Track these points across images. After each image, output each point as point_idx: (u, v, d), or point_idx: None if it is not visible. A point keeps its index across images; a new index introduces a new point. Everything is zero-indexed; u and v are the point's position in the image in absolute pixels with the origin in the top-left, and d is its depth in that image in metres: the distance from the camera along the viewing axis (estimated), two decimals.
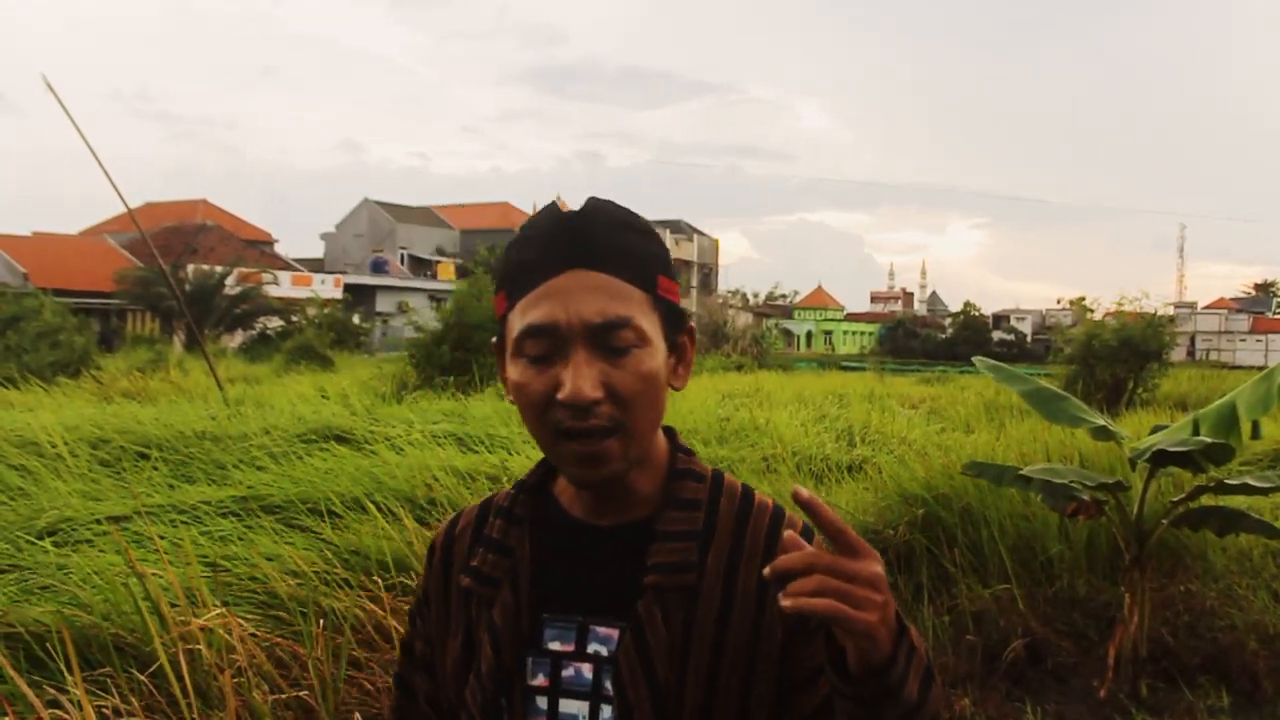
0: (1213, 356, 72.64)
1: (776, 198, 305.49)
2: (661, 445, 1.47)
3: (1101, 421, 5.98)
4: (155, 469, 8.41)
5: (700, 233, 77.65)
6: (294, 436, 9.89)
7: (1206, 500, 5.92)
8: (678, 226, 75.43)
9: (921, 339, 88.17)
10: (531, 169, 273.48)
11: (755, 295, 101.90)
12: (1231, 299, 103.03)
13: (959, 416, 17.04)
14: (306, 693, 4.09)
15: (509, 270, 1.39)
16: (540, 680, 1.41)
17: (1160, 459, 5.33)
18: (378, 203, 68.28)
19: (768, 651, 1.38)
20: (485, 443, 9.56)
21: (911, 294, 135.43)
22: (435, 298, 53.53)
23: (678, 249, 73.08)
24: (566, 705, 1.40)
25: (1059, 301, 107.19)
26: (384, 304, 57.18)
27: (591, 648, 1.40)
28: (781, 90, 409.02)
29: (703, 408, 15.47)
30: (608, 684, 1.38)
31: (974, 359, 6.96)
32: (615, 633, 1.39)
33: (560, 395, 1.30)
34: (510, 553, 1.46)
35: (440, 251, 68.16)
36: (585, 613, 1.42)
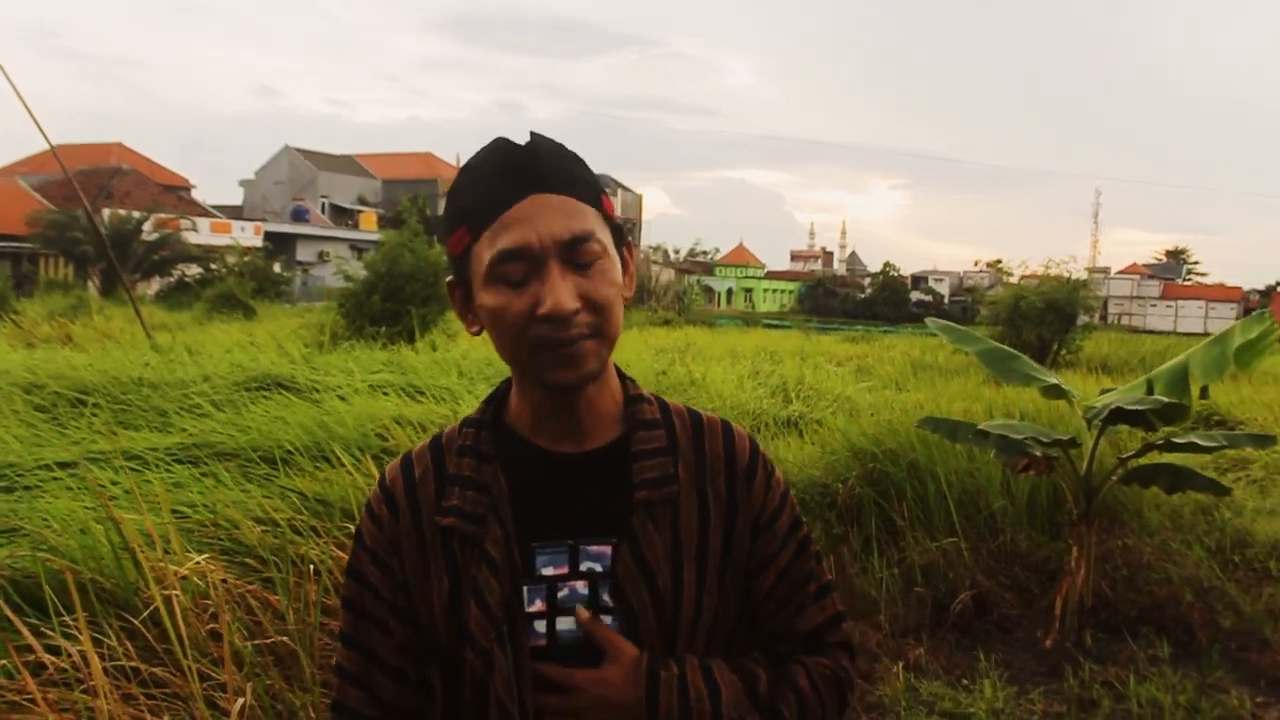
0: (1124, 321, 74.31)
1: (699, 154, 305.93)
2: (613, 373, 1.57)
3: (1054, 380, 6.12)
4: (94, 415, 8.27)
5: (625, 188, 77.45)
6: (234, 384, 9.78)
7: (1152, 458, 6.09)
8: (603, 181, 75.16)
9: (841, 298, 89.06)
10: (453, 118, 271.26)
11: (676, 251, 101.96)
12: (1144, 265, 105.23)
13: (888, 375, 17.32)
14: (285, 639, 4.08)
15: (466, 205, 1.46)
16: (538, 605, 1.49)
17: (1116, 417, 5.48)
18: (299, 150, 67.21)
19: (739, 548, 1.56)
20: (431, 393, 9.52)
21: (831, 253, 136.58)
22: (358, 248, 52.96)
23: None
24: (564, 623, 1.49)
25: (976, 264, 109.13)
26: (305, 253, 56.38)
27: (585, 565, 1.50)
28: (707, 45, 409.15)
29: (639, 362, 15.53)
30: (604, 596, 1.49)
31: (927, 320, 7.09)
32: (607, 549, 1.50)
33: (541, 310, 1.39)
34: (487, 489, 1.51)
35: (362, 201, 67.35)
36: (574, 535, 1.51)
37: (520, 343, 1.43)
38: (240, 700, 3.36)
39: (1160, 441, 5.77)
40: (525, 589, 1.49)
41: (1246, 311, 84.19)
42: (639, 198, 79.86)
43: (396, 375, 11.05)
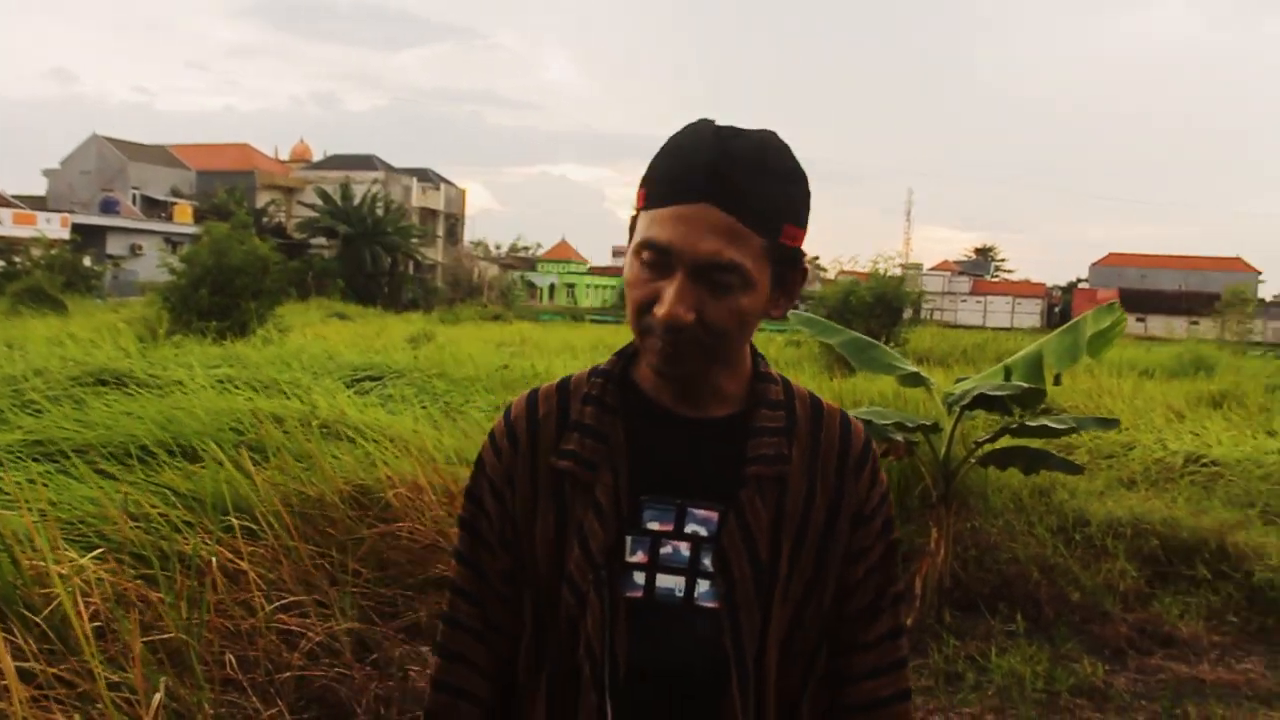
0: (937, 316, 76.89)
1: (519, 149, 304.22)
2: (746, 350, 1.60)
3: (913, 369, 6.34)
4: None
5: (448, 182, 76.68)
6: (69, 379, 9.42)
7: (1005, 441, 6.37)
8: (425, 175, 74.23)
9: None
10: (267, 109, 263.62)
11: (499, 247, 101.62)
12: (954, 262, 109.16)
13: None
14: (176, 636, 3.97)
15: (655, 175, 1.48)
16: (639, 557, 1.52)
17: (978, 403, 5.72)
18: (107, 139, 64.63)
19: (840, 534, 1.59)
20: (277, 387, 9.32)
21: None
22: (173, 241, 51.30)
23: (425, 198, 72.07)
24: (664, 580, 1.51)
25: None
26: (116, 246, 54.21)
27: (689, 528, 1.53)
28: (527, 38, 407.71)
29: (480, 355, 15.50)
30: (705, 561, 1.51)
31: (789, 313, 7.23)
32: (714, 515, 1.52)
33: (657, 310, 1.43)
34: (606, 438, 1.55)
35: (176, 193, 65.03)
36: (683, 496, 1.53)
37: (636, 321, 1.49)
38: (156, 696, 3.26)
39: (1015, 425, 6.03)
40: (629, 539, 1.52)
41: (1050, 307, 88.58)
42: (462, 192, 79.06)
43: (238, 370, 10.80)
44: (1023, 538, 7.43)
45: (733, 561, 1.50)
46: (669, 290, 1.43)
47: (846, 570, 1.59)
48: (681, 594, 1.51)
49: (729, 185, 1.41)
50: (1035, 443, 6.30)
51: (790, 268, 1.52)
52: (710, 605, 1.50)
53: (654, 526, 1.53)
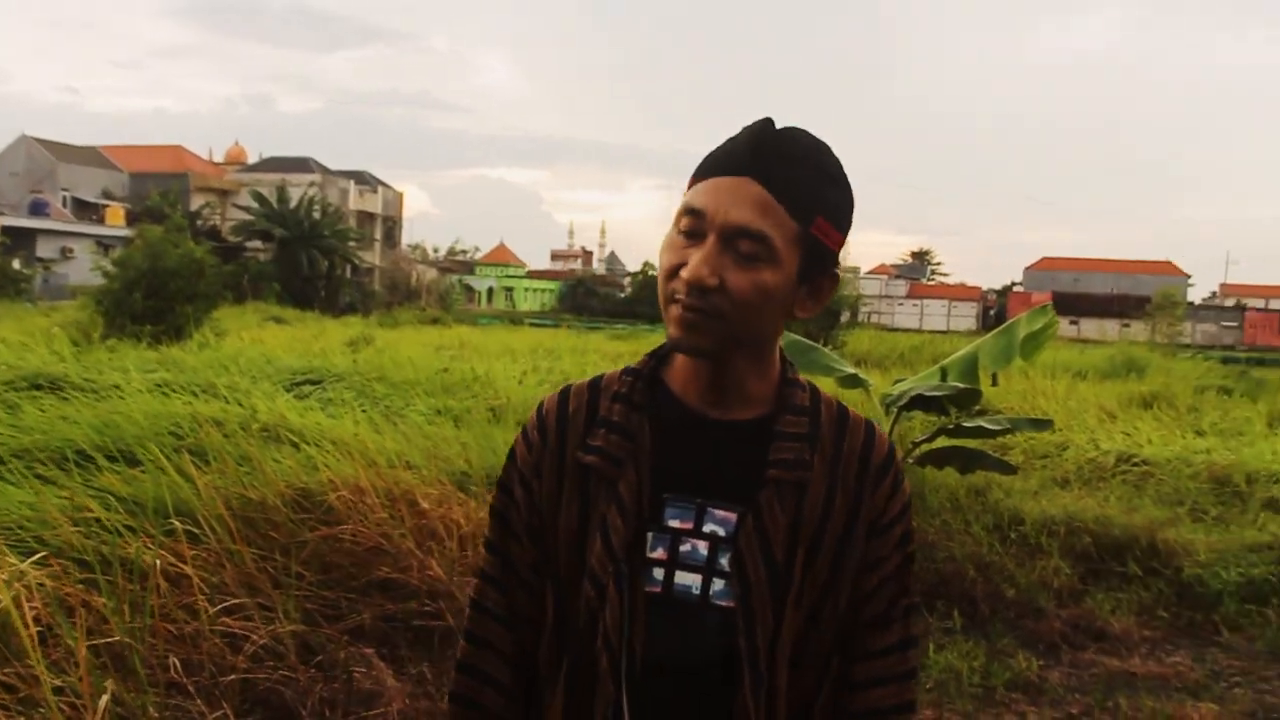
0: (874, 319, 77.53)
1: (456, 152, 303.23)
2: (777, 355, 1.64)
3: (851, 370, 6.43)
4: None
5: (385, 185, 76.17)
6: (1, 384, 9.30)
7: (942, 441, 6.48)
8: (362, 178, 73.63)
9: (601, 298, 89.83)
10: (199, 110, 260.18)
11: (436, 250, 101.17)
12: (891, 265, 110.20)
13: None
14: (115, 639, 3.96)
15: (707, 157, 1.56)
16: (659, 553, 1.56)
17: (916, 403, 5.81)
18: (37, 140, 63.59)
19: (856, 542, 1.59)
20: (213, 391, 9.25)
21: (591, 253, 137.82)
22: (105, 244, 50.49)
23: (362, 201, 71.52)
24: (682, 577, 1.55)
25: None
26: (46, 249, 53.30)
27: (708, 528, 1.56)
28: (462, 41, 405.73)
29: (419, 359, 15.46)
30: (722, 561, 1.55)
31: None
32: (733, 516, 1.56)
33: (683, 273, 1.49)
34: (632, 435, 1.59)
35: (108, 195, 64.10)
36: (704, 495, 1.57)
37: (663, 289, 1.54)
38: (104, 699, 3.25)
39: (951, 426, 6.14)
40: (650, 535, 1.56)
41: (986, 310, 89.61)
42: (400, 195, 78.54)
43: (175, 374, 10.71)
44: (959, 536, 7.55)
45: (748, 563, 1.53)
46: (696, 254, 1.48)
47: (861, 578, 1.61)
48: (698, 591, 1.55)
49: (770, 164, 1.49)
50: (971, 443, 6.41)
51: (820, 267, 1.57)
52: (725, 604, 1.54)
53: (674, 524, 1.57)
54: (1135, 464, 11.00)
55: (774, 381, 1.63)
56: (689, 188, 1.56)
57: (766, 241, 1.49)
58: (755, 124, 1.53)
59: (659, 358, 1.68)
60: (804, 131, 1.55)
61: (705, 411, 1.61)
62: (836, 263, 1.60)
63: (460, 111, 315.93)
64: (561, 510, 1.60)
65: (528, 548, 1.65)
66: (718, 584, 1.55)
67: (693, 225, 1.51)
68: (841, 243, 1.58)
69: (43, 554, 4.29)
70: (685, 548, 1.56)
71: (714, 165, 1.53)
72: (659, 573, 1.56)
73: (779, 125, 1.54)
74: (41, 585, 4.07)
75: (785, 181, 1.50)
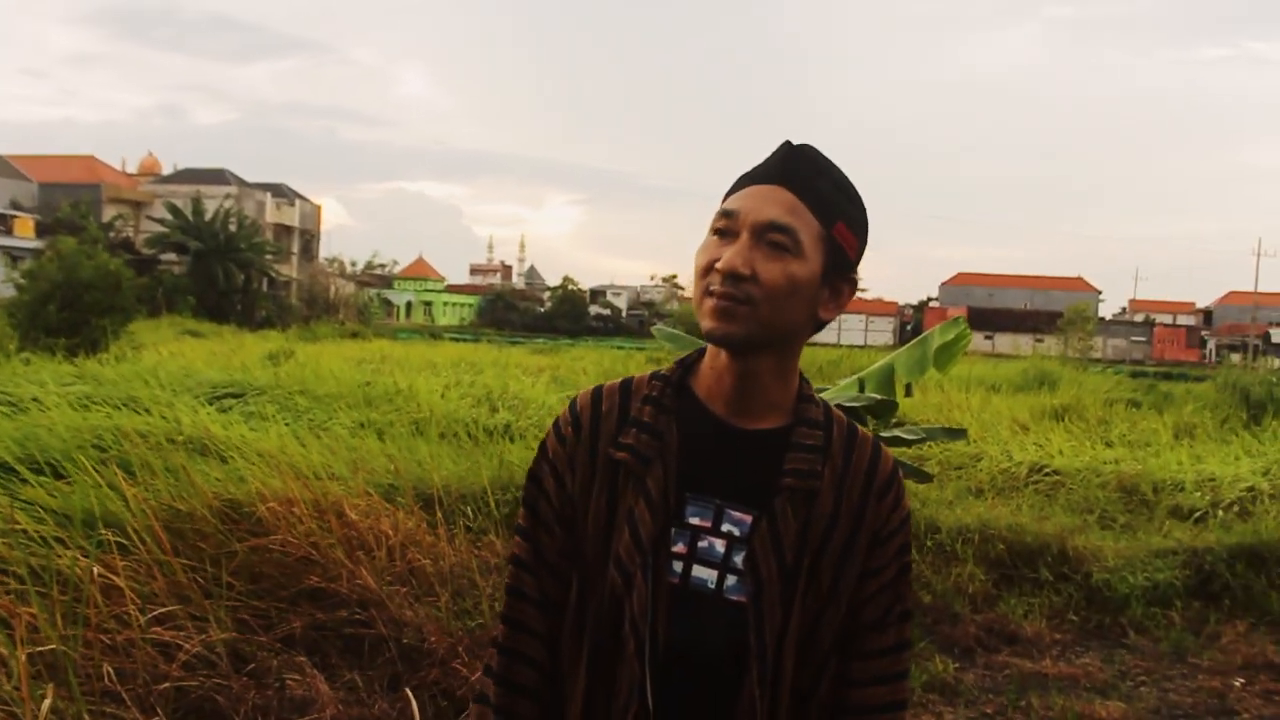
0: None
1: (374, 165, 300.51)
2: (797, 366, 1.78)
3: None
4: None
5: (303, 198, 75.45)
6: None
7: None
8: (280, 191, 72.83)
9: (521, 312, 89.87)
10: (110, 120, 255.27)
11: (354, 264, 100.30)
12: None
13: (584, 384, 17.73)
14: (44, 648, 3.97)
15: (739, 178, 1.74)
16: (680, 548, 1.69)
17: None
18: None
19: (858, 551, 1.72)
20: (141, 405, 9.19)
21: (510, 267, 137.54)
22: (14, 255, 49.53)
23: (279, 214, 70.76)
24: (699, 571, 1.68)
25: (653, 278, 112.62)
26: None
27: (725, 527, 1.69)
28: (381, 53, 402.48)
29: (341, 373, 15.42)
30: (736, 559, 1.68)
31: (654, 330, 7.42)
32: (748, 518, 1.69)
33: (718, 264, 1.64)
34: (661, 436, 1.72)
35: (16, 205, 62.71)
36: (722, 497, 1.70)
37: (697, 285, 1.69)
38: (45, 703, 3.28)
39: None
40: (673, 530, 1.68)
41: (903, 325, 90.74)
42: (318, 208, 77.80)
43: (94, 387, 10.61)
44: None
45: (761, 563, 1.66)
46: (730, 249, 1.64)
47: (861, 584, 1.73)
48: (713, 586, 1.68)
49: (797, 175, 1.68)
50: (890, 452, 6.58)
51: (840, 272, 1.72)
52: (737, 599, 1.67)
53: (694, 521, 1.69)
54: (1047, 474, 11.34)
55: (793, 393, 1.76)
56: (723, 203, 1.73)
57: (794, 235, 1.65)
58: (780, 146, 1.72)
59: (686, 366, 1.81)
60: (820, 151, 1.73)
61: (728, 419, 1.74)
62: (855, 270, 1.75)
63: (380, 124, 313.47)
64: (592, 501, 1.73)
65: (558, 536, 1.76)
66: (730, 580, 1.68)
67: (726, 225, 1.67)
68: (859, 251, 1.75)
69: None
70: (703, 544, 1.69)
71: (746, 179, 1.71)
72: (678, 566, 1.68)
73: (763, 144, 1.73)
74: None
75: (810, 188, 1.68)
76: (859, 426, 1.82)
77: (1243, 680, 6.11)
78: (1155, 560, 7.84)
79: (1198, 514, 9.72)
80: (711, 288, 1.65)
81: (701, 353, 1.81)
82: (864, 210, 1.75)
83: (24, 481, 5.82)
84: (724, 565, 1.68)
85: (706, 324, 1.66)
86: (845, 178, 1.74)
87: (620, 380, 1.83)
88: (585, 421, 1.78)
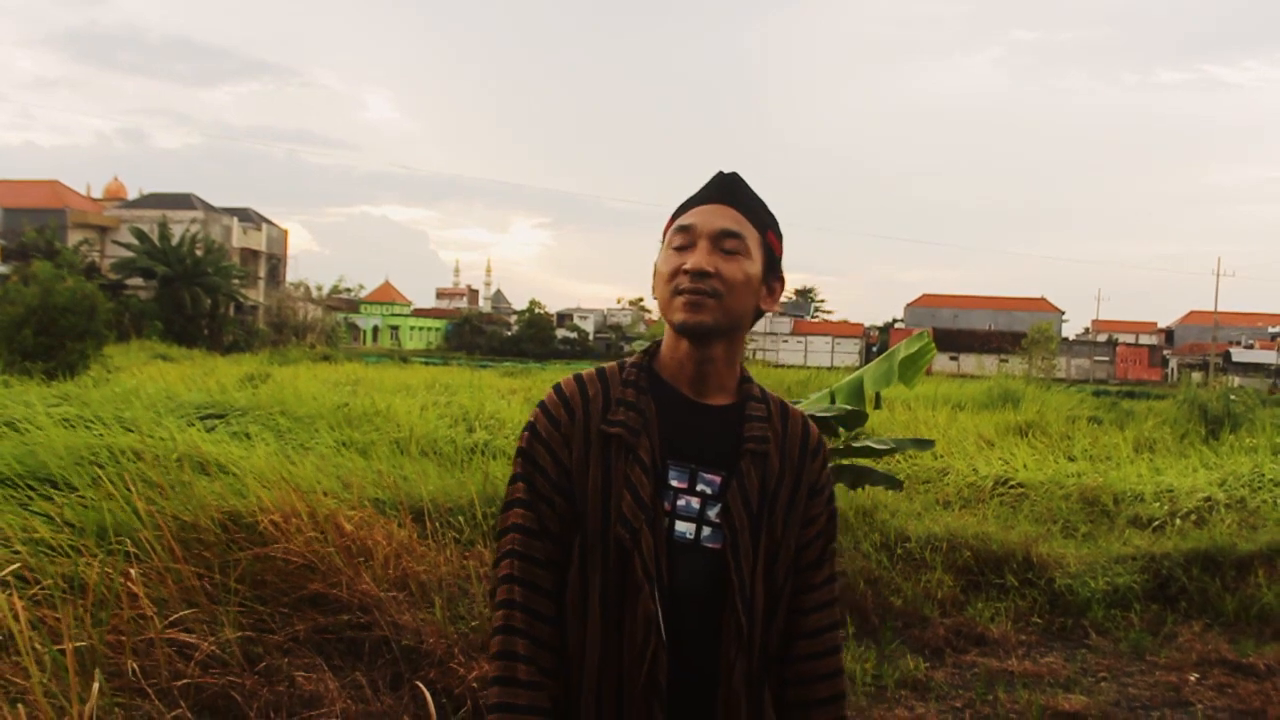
0: (759, 356, 78.61)
1: (339, 189, 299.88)
2: (738, 363, 2.18)
3: None
4: None
5: (270, 222, 75.29)
6: None
7: (832, 461, 6.93)
8: (246, 215, 72.60)
9: (488, 335, 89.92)
10: (75, 144, 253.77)
11: (320, 288, 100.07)
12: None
13: None
14: (85, 643, 4.20)
15: (683, 202, 2.15)
16: (665, 505, 2.04)
17: None
18: None
19: (799, 501, 2.15)
20: (132, 425, 9.37)
21: (477, 291, 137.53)
22: None
23: (246, 238, 70.59)
24: (680, 525, 2.05)
25: (620, 301, 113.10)
26: None
27: (699, 487, 2.07)
28: (346, 77, 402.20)
29: (318, 394, 15.61)
30: (710, 513, 2.05)
31: (626, 351, 7.69)
32: (717, 478, 2.07)
33: (686, 266, 2.04)
34: (643, 413, 2.07)
35: None
36: (696, 462, 2.08)
37: (666, 289, 2.07)
38: (95, 685, 3.52)
39: (841, 446, 6.61)
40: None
41: (869, 346, 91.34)
42: (284, 232, 77.64)
43: (80, 408, 10.78)
44: (850, 554, 8.04)
45: (734, 514, 2.04)
46: (693, 254, 2.05)
47: (802, 530, 2.15)
48: (691, 537, 2.04)
49: (735, 194, 2.12)
50: (860, 461, 6.89)
51: (774, 271, 2.16)
52: (712, 546, 2.04)
53: (675, 484, 2.05)
54: (1012, 486, 11.70)
55: (737, 376, 2.17)
56: (670, 224, 2.13)
57: (743, 240, 2.08)
58: (717, 174, 2.14)
59: (650, 354, 2.19)
60: (735, 175, 2.18)
61: (691, 396, 2.12)
62: (782, 269, 2.17)
63: (345, 148, 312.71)
64: (589, 472, 2.05)
65: (558, 504, 2.06)
66: (706, 530, 2.05)
67: (684, 240, 2.08)
68: (782, 254, 2.17)
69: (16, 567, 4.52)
70: (681, 502, 2.05)
71: (692, 201, 2.13)
72: (664, 521, 2.03)
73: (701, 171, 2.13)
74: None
75: (746, 205, 2.13)
76: (787, 402, 2.25)
77: (1197, 675, 6.43)
78: (1115, 566, 8.17)
79: (1156, 523, 10.08)
80: (680, 287, 2.04)
81: (658, 344, 2.18)
82: (777, 222, 2.19)
83: (30, 497, 6.04)
84: (700, 519, 2.05)
85: (679, 317, 2.05)
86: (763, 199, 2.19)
87: (595, 369, 2.18)
88: (577, 404, 2.11)
